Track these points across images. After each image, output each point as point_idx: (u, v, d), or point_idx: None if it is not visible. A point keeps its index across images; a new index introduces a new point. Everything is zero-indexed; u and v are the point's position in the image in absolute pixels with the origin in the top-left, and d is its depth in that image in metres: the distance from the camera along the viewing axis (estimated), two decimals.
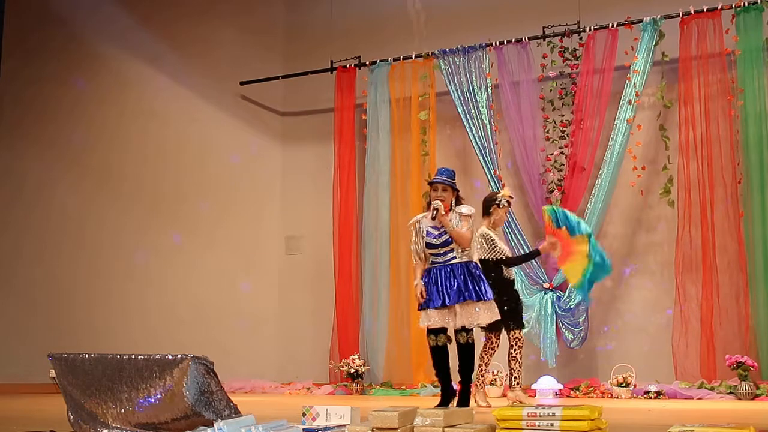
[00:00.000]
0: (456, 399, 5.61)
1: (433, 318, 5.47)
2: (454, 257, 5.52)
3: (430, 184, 5.68)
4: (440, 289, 5.45)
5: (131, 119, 10.05)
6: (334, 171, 9.41)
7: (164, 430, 3.78)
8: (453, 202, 5.62)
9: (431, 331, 5.54)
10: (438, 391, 8.08)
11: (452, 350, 5.56)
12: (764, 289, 7.46)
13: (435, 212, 5.50)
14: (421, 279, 5.57)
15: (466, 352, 5.52)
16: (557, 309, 8.06)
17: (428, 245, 5.57)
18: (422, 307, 5.54)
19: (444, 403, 5.58)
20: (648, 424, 4.78)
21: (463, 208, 5.59)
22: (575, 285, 6.06)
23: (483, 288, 5.45)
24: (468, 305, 5.41)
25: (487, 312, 5.47)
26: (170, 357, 3.73)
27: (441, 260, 5.54)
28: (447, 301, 5.41)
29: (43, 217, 9.90)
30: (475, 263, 5.62)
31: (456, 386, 5.65)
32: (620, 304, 8.28)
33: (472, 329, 5.50)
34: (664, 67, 8.12)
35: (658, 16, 8.06)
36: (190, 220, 9.85)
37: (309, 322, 9.52)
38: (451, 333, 5.56)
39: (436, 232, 5.54)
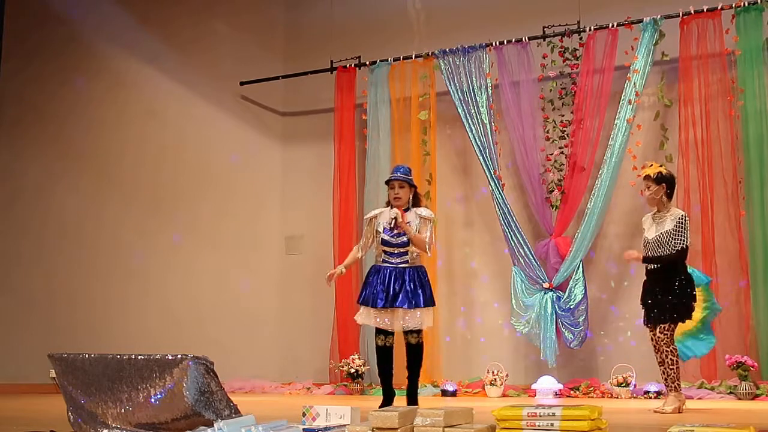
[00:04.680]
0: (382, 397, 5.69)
1: (373, 317, 5.47)
2: (407, 260, 5.52)
3: (387, 182, 5.65)
4: (387, 290, 5.43)
5: (131, 119, 10.05)
6: (334, 171, 9.40)
7: (164, 430, 3.77)
8: (410, 199, 5.59)
9: (381, 332, 5.56)
10: (438, 390, 8.15)
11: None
12: (765, 289, 7.46)
13: (393, 221, 5.46)
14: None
15: (417, 351, 5.58)
16: (557, 309, 8.06)
17: (384, 242, 5.54)
18: (363, 303, 5.53)
19: (387, 402, 5.60)
20: (648, 424, 4.78)
21: (424, 211, 5.58)
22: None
23: (429, 295, 5.50)
24: (411, 311, 5.43)
25: (428, 316, 5.52)
26: (170, 357, 3.73)
27: (393, 261, 5.52)
28: (395, 303, 5.40)
29: (42, 216, 9.91)
30: (425, 268, 5.59)
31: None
32: (621, 305, 8.28)
33: (421, 330, 5.51)
34: (664, 67, 8.12)
35: (658, 16, 8.06)
36: (189, 220, 9.85)
37: (309, 322, 9.51)
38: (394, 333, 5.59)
39: (395, 231, 5.53)
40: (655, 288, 5.68)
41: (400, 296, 5.40)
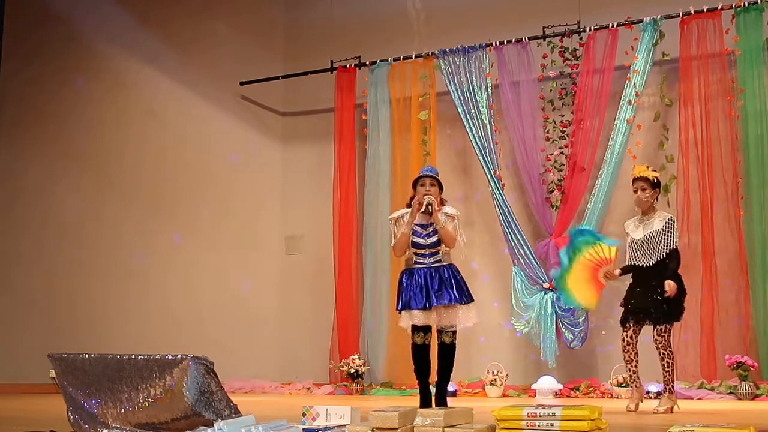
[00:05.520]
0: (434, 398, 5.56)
1: (417, 317, 5.38)
2: (440, 259, 5.44)
3: (418, 178, 5.57)
4: (425, 290, 5.37)
5: (131, 119, 10.06)
6: (334, 171, 9.41)
7: (164, 430, 3.77)
8: (439, 199, 5.57)
9: (419, 329, 5.45)
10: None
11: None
12: (764, 288, 7.46)
13: (429, 207, 5.38)
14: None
15: (450, 352, 5.46)
16: (557, 309, 8.06)
17: (415, 245, 5.47)
18: (404, 307, 5.44)
19: (425, 403, 5.49)
20: (648, 424, 4.78)
21: (448, 208, 5.53)
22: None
23: (467, 291, 5.42)
24: (452, 307, 5.37)
25: (469, 314, 5.42)
26: (170, 357, 3.73)
27: (426, 261, 5.45)
28: (433, 302, 5.33)
29: (42, 216, 9.91)
30: (456, 266, 5.51)
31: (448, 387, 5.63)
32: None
33: (455, 330, 5.43)
34: (664, 67, 8.12)
35: (658, 16, 8.06)
36: (189, 220, 9.85)
37: (309, 322, 9.51)
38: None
39: (425, 232, 5.45)
40: (645, 288, 5.66)
41: (442, 292, 5.34)
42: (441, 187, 5.59)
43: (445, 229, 5.42)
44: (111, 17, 10.08)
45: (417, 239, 5.47)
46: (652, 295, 5.62)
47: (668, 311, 5.60)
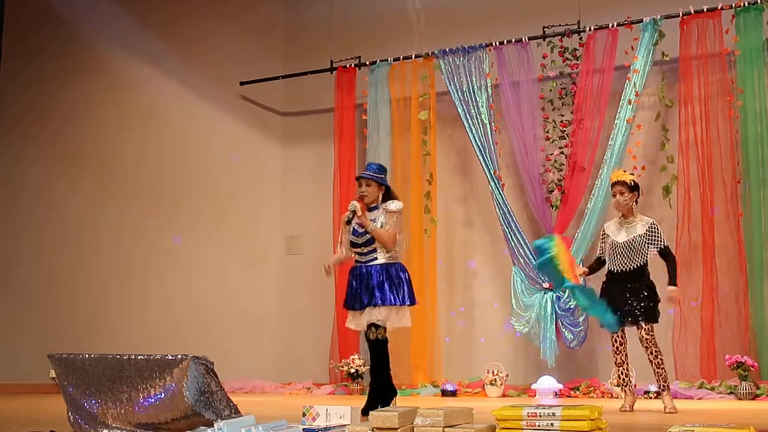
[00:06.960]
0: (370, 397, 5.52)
1: (355, 320, 5.40)
2: (376, 258, 5.37)
3: (356, 179, 5.59)
4: (357, 291, 5.35)
5: (131, 119, 10.06)
6: (334, 171, 9.41)
7: (164, 430, 3.77)
8: (380, 197, 5.46)
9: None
10: (438, 390, 8.16)
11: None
12: (764, 289, 7.46)
13: (352, 215, 5.38)
14: (333, 264, 5.59)
15: (374, 348, 5.39)
16: (557, 309, 8.06)
17: (351, 244, 5.44)
18: (345, 306, 5.51)
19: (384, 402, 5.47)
20: (648, 424, 4.78)
21: (391, 205, 5.41)
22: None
23: (396, 293, 5.30)
24: (378, 307, 5.29)
25: (394, 315, 5.32)
26: (170, 357, 3.73)
27: (363, 260, 5.41)
28: (356, 305, 5.34)
29: (42, 216, 9.91)
30: (400, 264, 5.44)
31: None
32: None
33: (380, 326, 5.31)
34: (664, 67, 8.12)
35: (658, 16, 8.06)
36: (189, 220, 9.85)
37: (309, 322, 9.51)
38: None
39: (361, 230, 5.39)
40: (622, 289, 5.72)
41: (364, 297, 5.29)
42: (382, 184, 5.47)
43: (375, 232, 5.32)
44: (111, 17, 10.08)
45: (352, 238, 5.44)
46: (631, 296, 5.68)
47: (650, 312, 5.69)
